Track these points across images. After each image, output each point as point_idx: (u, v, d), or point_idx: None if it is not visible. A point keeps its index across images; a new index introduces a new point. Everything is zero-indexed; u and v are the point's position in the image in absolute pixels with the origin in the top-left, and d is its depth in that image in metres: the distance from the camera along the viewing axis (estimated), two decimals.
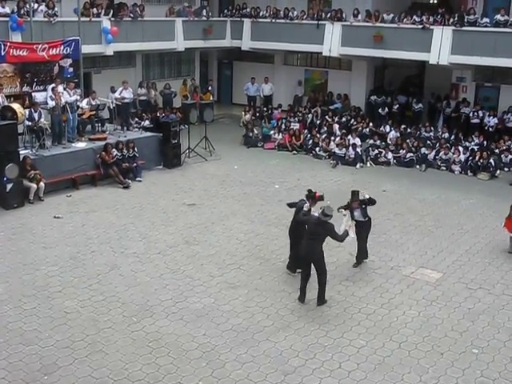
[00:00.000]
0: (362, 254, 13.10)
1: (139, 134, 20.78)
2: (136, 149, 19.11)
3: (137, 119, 23.21)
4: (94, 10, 23.21)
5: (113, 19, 23.56)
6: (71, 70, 20.48)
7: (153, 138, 20.62)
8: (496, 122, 23.40)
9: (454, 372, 9.46)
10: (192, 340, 10.14)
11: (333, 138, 22.77)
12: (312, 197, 12.15)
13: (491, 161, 20.63)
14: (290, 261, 12.67)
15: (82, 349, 9.79)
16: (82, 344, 9.92)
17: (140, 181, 18.76)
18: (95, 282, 12.06)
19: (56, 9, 21.90)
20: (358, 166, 21.20)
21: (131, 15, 24.35)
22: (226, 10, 28.98)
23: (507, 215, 14.11)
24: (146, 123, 23.11)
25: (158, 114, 23.68)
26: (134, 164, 18.91)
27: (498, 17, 22.25)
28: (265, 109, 27.02)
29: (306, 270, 11.44)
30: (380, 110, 25.62)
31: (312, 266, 11.33)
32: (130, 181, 18.46)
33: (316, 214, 11.49)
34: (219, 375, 9.24)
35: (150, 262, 13.10)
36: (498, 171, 20.58)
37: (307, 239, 11.26)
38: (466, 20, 22.68)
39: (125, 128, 20.88)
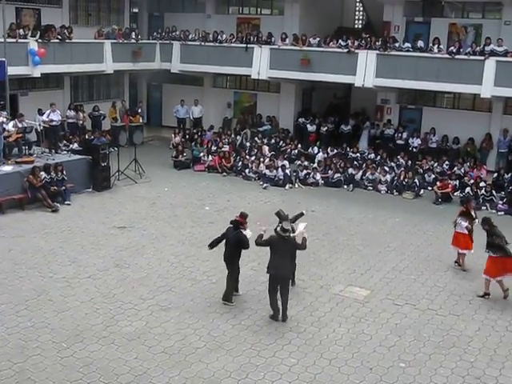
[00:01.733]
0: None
1: (68, 156, 20.52)
2: (65, 172, 18.85)
3: (65, 142, 22.91)
4: (21, 31, 22.89)
5: (40, 41, 23.24)
6: None
7: (82, 160, 20.40)
8: (419, 142, 24.24)
9: None
10: (124, 364, 10.06)
11: (262, 159, 23.06)
12: (238, 223, 12.18)
13: (415, 180, 21.33)
14: (227, 290, 12.33)
15: (10, 377, 9.55)
16: (9, 373, 9.67)
17: (69, 204, 18.48)
18: (23, 309, 11.79)
19: None
20: (287, 187, 21.51)
21: (59, 37, 24.07)
22: (155, 33, 29.05)
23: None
24: (75, 146, 22.85)
25: (87, 137, 23.45)
26: (63, 187, 18.63)
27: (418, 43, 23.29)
28: (194, 131, 27.07)
29: (275, 288, 11.56)
30: (308, 126, 26.17)
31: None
32: (58, 204, 18.16)
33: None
34: None
35: (79, 286, 12.91)
36: (422, 190, 21.28)
37: (278, 258, 11.44)
38: (388, 45, 23.47)
39: (53, 151, 20.60)
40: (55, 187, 18.39)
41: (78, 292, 12.62)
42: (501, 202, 19.78)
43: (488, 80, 21.42)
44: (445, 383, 9.83)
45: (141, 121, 27.16)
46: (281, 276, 11.52)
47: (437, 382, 9.84)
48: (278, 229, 11.62)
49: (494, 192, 20.22)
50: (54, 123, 20.98)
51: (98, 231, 16.36)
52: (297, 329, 11.42)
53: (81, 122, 25.38)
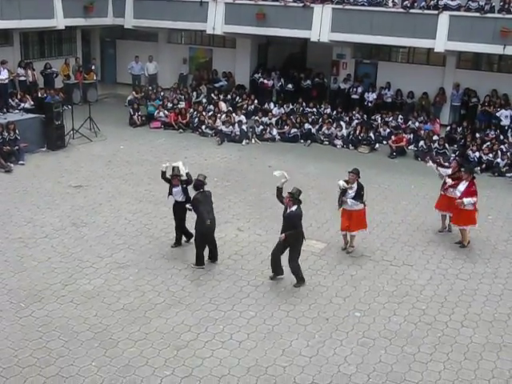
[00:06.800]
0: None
1: (20, 115, 20.11)
2: (17, 131, 18.51)
3: (17, 100, 22.41)
4: None
5: None
6: None
7: (35, 119, 19.98)
8: (375, 97, 24.40)
9: (339, 335, 10.01)
10: (83, 322, 10.13)
11: (219, 115, 22.97)
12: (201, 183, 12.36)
13: (371, 134, 21.55)
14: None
15: None
16: None
17: (23, 164, 18.20)
18: None
19: None
20: (243, 142, 21.52)
21: None
22: None
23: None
24: (27, 104, 22.37)
25: (40, 95, 22.98)
26: (16, 147, 18.31)
27: None
28: (150, 88, 26.74)
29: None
30: (265, 81, 26.12)
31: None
32: (12, 164, 17.86)
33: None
34: (112, 354, 9.31)
35: (36, 246, 12.85)
36: (377, 144, 21.53)
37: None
38: None
39: (4, 110, 20.15)
40: (8, 147, 18.06)
41: (34, 252, 12.56)
42: (453, 155, 20.14)
43: (441, 34, 21.51)
44: (398, 330, 10.18)
45: (94, 78, 26.61)
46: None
47: (390, 329, 10.18)
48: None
49: (446, 145, 20.59)
50: (5, 81, 20.44)
51: (53, 191, 16.20)
52: (255, 282, 11.61)
53: (30, 79, 24.74)
